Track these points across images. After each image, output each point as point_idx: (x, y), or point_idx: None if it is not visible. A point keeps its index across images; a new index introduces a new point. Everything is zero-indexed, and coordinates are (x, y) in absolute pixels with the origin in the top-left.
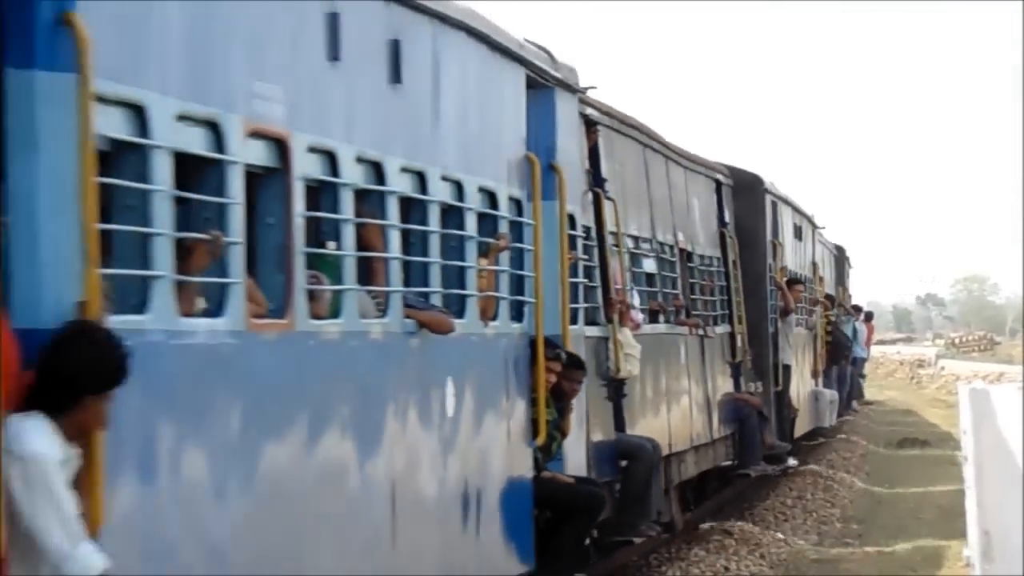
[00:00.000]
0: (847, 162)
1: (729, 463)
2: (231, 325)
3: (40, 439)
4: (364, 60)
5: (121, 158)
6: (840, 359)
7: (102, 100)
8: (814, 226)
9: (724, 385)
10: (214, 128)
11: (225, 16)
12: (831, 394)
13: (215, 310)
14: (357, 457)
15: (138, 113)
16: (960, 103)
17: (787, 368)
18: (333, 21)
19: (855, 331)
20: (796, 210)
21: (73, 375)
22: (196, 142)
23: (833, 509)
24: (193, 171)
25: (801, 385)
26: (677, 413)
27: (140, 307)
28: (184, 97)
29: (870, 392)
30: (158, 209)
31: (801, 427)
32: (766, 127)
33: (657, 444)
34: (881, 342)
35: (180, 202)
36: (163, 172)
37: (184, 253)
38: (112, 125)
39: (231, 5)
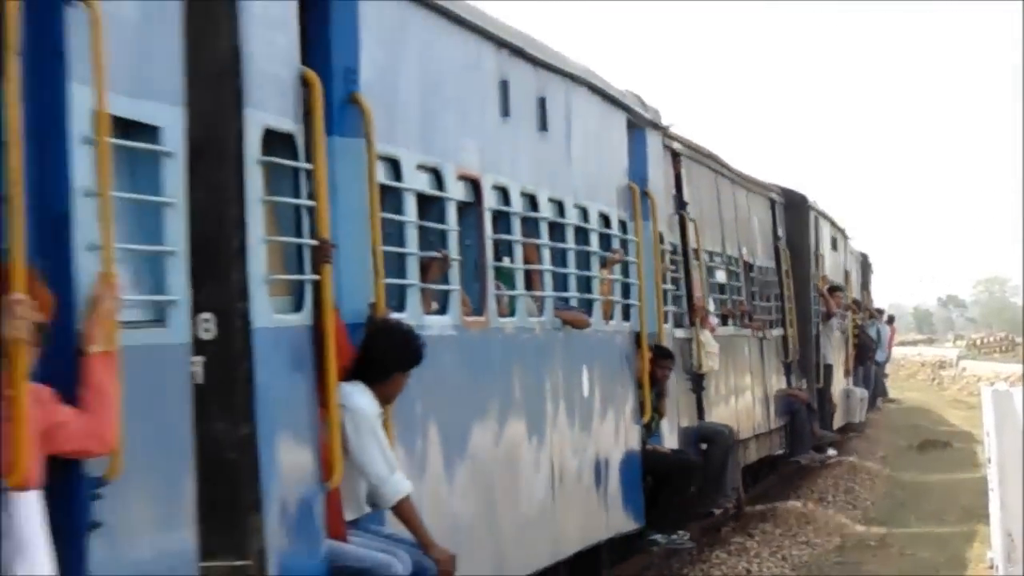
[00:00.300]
0: (866, 164)
1: (781, 452)
2: (452, 321)
3: (364, 398)
4: (523, 114)
5: (383, 198)
6: (866, 360)
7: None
8: (846, 237)
9: (778, 382)
10: (437, 174)
11: (442, 89)
12: (861, 392)
13: (441, 310)
14: (529, 425)
15: (394, 165)
16: (982, 101)
17: (828, 367)
18: (504, 86)
19: (879, 333)
20: (832, 224)
21: (387, 357)
22: (427, 184)
23: (855, 511)
24: (423, 205)
25: (837, 383)
26: (743, 405)
27: (399, 308)
28: (420, 151)
29: (892, 393)
30: (409, 235)
31: (836, 422)
32: (779, 130)
33: (732, 429)
34: (902, 343)
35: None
36: (411, 207)
37: (422, 268)
38: (380, 174)
39: (445, 81)
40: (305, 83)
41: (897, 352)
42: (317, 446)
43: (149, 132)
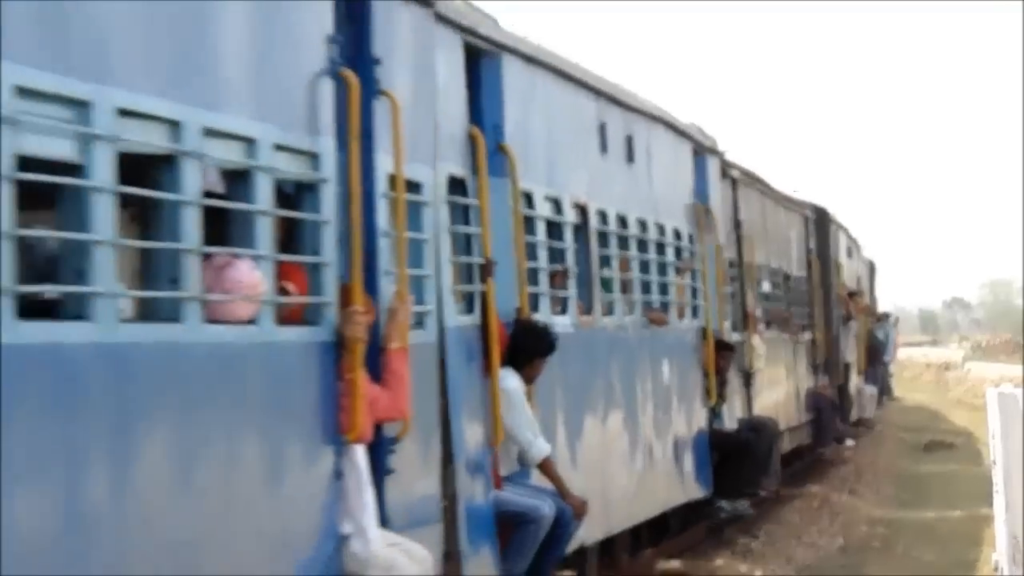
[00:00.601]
0: (871, 165)
1: (808, 443)
2: (571, 321)
3: (514, 380)
4: (616, 150)
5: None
6: (876, 361)
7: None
8: (858, 246)
9: (807, 380)
10: (557, 203)
11: (558, 133)
12: (871, 389)
13: (562, 311)
14: (625, 405)
15: (528, 198)
16: (989, 102)
17: (847, 366)
18: (603, 128)
19: (887, 336)
20: (847, 234)
21: (530, 347)
22: (551, 211)
23: (858, 513)
24: (549, 228)
25: (852, 381)
26: (781, 401)
27: (534, 309)
28: (545, 185)
29: (896, 392)
30: (540, 253)
31: (851, 416)
32: (780, 130)
33: (776, 421)
34: (907, 344)
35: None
36: (541, 231)
37: (550, 278)
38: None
39: (560, 126)
40: (471, 138)
41: (902, 353)
42: (486, 417)
43: (414, 187)
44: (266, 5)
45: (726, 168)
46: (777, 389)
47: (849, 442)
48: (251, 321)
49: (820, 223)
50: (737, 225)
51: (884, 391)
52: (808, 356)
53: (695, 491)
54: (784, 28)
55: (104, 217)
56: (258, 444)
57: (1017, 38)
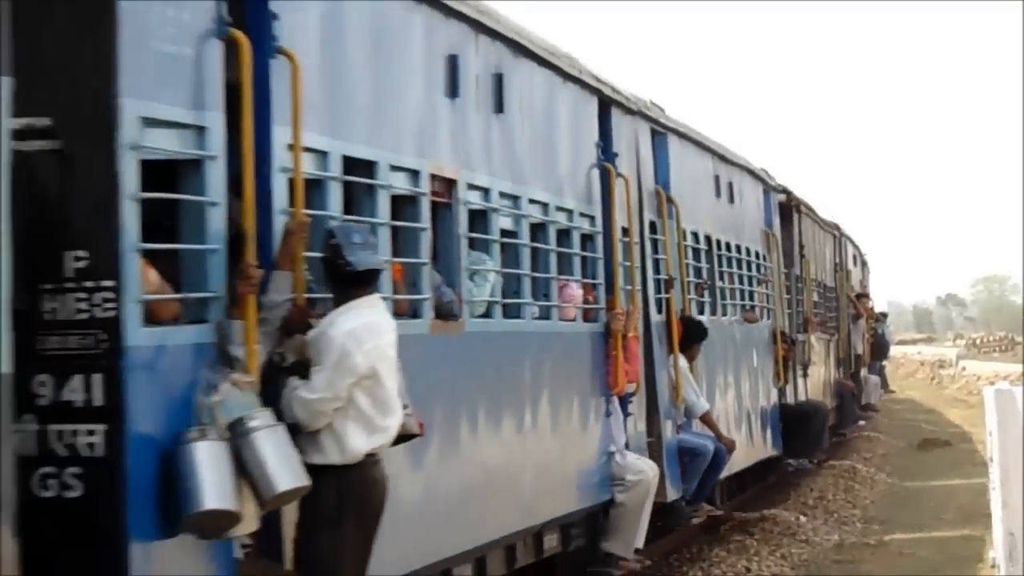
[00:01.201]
0: (865, 160)
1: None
2: (708, 318)
3: (681, 360)
4: (723, 193)
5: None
6: (877, 356)
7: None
8: (860, 253)
9: (834, 372)
10: (696, 235)
11: (694, 184)
12: (875, 379)
13: (700, 312)
14: (735, 381)
15: (696, 236)
16: (982, 98)
17: (858, 357)
18: (716, 179)
19: (884, 333)
20: (852, 243)
21: (690, 335)
22: (693, 241)
23: (855, 510)
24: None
25: (860, 372)
26: (821, 388)
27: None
28: (690, 223)
29: (892, 388)
30: (690, 271)
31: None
32: (774, 124)
33: (826, 404)
34: (902, 342)
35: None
36: (690, 255)
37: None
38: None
39: (695, 179)
40: (656, 193)
41: (897, 351)
42: (670, 383)
43: (631, 233)
44: (575, 129)
45: (797, 205)
46: (820, 379)
47: (861, 422)
48: (572, 319)
49: (839, 237)
50: (801, 248)
51: (883, 384)
52: (835, 352)
53: (773, 449)
54: (773, 23)
55: (526, 260)
56: (578, 390)
57: (1017, 38)
